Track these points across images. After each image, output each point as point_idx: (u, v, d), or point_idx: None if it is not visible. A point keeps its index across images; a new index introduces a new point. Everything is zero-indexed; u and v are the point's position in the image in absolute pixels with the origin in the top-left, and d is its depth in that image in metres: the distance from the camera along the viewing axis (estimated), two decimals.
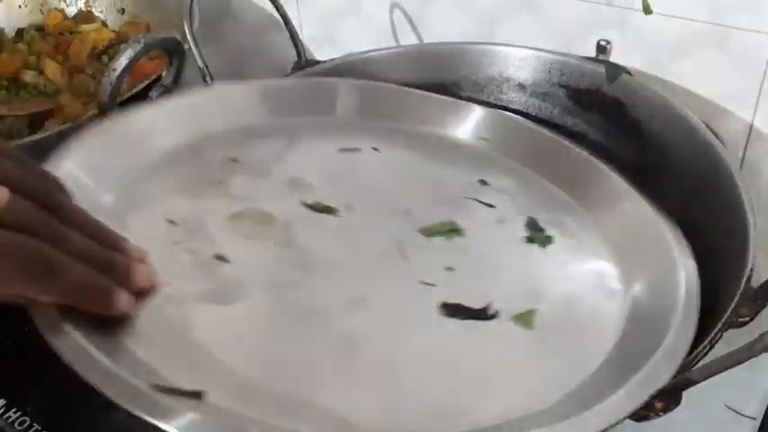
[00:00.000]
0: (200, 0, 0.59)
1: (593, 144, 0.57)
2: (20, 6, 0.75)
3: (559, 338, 0.40)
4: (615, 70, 0.57)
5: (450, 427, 0.34)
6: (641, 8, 0.57)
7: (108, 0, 0.75)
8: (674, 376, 0.32)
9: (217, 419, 0.32)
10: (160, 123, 0.51)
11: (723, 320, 0.37)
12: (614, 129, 0.58)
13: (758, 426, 0.46)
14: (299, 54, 0.62)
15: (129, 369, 0.33)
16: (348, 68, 0.61)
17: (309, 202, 0.47)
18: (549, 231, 0.47)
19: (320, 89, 0.58)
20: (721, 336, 0.34)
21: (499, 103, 0.62)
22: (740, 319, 0.36)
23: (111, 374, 0.32)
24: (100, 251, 0.35)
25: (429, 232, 0.46)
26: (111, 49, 0.69)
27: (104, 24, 0.74)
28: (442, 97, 0.58)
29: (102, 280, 0.35)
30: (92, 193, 0.44)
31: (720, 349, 0.35)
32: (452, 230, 0.46)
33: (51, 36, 0.71)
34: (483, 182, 0.52)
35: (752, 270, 0.39)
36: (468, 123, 0.57)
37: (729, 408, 0.46)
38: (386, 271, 0.43)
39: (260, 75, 0.62)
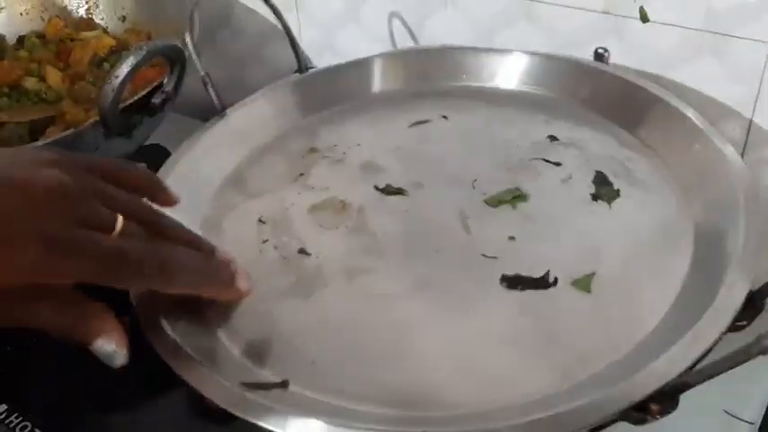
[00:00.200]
0: (201, 9, 0.59)
1: None
2: (21, 14, 0.75)
3: (618, 300, 0.40)
4: None
5: (512, 397, 0.36)
6: (639, 17, 0.57)
7: (109, 8, 0.75)
8: (672, 379, 0.32)
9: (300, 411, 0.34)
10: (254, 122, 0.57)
11: None
12: None
13: (756, 430, 0.46)
14: (299, 63, 0.62)
15: (223, 366, 0.38)
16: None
17: (381, 186, 0.51)
18: (617, 184, 0.48)
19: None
20: (720, 339, 0.34)
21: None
22: (738, 323, 0.36)
23: (205, 374, 0.36)
24: (202, 258, 0.40)
25: (494, 201, 0.48)
26: (112, 56, 0.69)
27: (105, 32, 0.74)
28: (493, 48, 0.61)
29: (220, 266, 0.41)
30: (192, 198, 0.50)
31: (716, 354, 0.35)
32: (517, 197, 0.48)
33: (52, 43, 0.71)
34: (552, 137, 0.53)
35: None
36: (528, 73, 0.59)
37: (727, 413, 0.46)
38: (450, 249, 0.45)
39: (260, 83, 0.62)
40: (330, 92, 0.60)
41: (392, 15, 0.70)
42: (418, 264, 0.44)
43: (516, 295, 0.41)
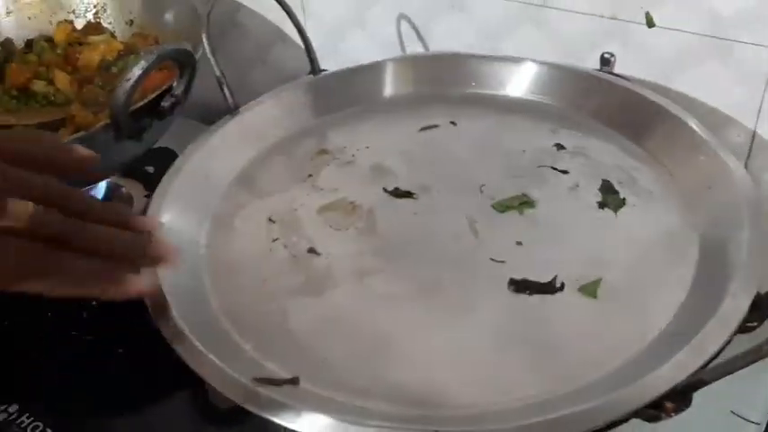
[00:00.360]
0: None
1: None
2: (29, 18, 0.76)
3: (623, 306, 0.41)
4: None
5: (516, 400, 0.36)
6: (644, 22, 0.58)
7: (116, 12, 0.76)
8: (686, 377, 0.33)
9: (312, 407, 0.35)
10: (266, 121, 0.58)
11: None
12: None
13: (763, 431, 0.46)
14: (312, 64, 0.63)
15: (236, 363, 0.38)
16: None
17: (390, 188, 0.51)
18: (623, 193, 0.48)
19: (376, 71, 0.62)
20: (731, 340, 0.35)
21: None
22: (748, 324, 0.36)
23: (218, 369, 0.37)
24: (113, 236, 0.38)
25: (502, 207, 0.48)
26: (120, 60, 0.70)
27: (113, 36, 0.74)
28: (503, 57, 0.61)
29: (108, 267, 0.38)
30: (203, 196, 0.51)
31: (727, 354, 0.35)
32: (524, 203, 0.48)
33: (60, 47, 0.71)
34: (559, 146, 0.53)
35: None
36: (536, 82, 0.59)
37: (735, 414, 0.46)
38: (458, 252, 0.46)
39: (264, 86, 0.62)
40: (342, 94, 0.61)
41: (399, 18, 0.71)
42: (427, 266, 0.45)
43: (524, 299, 0.42)
